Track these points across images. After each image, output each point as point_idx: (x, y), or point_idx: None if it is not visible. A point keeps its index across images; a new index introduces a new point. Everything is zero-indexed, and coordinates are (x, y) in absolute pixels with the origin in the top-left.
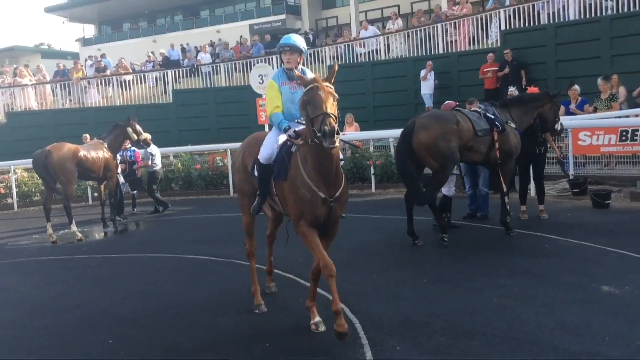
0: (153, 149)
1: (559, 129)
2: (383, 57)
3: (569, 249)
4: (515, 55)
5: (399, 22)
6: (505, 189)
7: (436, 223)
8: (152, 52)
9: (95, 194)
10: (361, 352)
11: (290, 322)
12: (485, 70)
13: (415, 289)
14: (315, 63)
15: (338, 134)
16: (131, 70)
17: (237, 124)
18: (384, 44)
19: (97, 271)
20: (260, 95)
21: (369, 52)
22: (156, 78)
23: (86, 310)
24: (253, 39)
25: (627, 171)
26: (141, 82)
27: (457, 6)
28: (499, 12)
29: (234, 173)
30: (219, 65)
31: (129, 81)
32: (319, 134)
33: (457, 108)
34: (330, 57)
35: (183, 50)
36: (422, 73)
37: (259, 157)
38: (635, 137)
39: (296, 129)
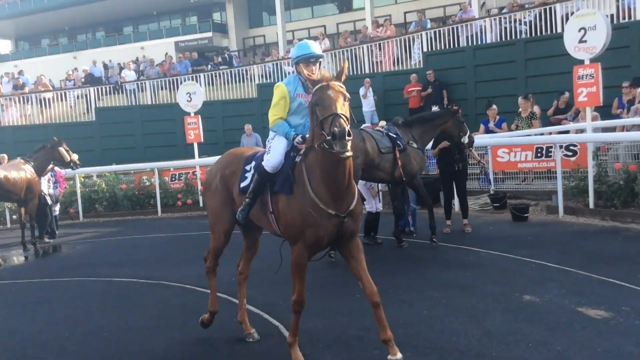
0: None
1: (466, 142)
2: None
3: (491, 260)
4: (437, 75)
5: (326, 42)
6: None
7: (366, 241)
8: (76, 69)
9: (14, 217)
10: None
11: (223, 342)
12: (409, 90)
13: (349, 304)
14: (242, 82)
15: (350, 136)
16: (51, 88)
17: (164, 142)
18: None
19: (19, 297)
20: (188, 113)
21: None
22: (78, 96)
23: (7, 339)
24: (179, 56)
25: (543, 186)
26: (62, 100)
27: (381, 28)
28: (421, 34)
29: (207, 195)
30: (145, 83)
31: (49, 99)
32: (328, 137)
33: (361, 128)
34: (258, 75)
35: (105, 67)
36: (362, 91)
37: (265, 164)
38: (549, 154)
39: (305, 135)
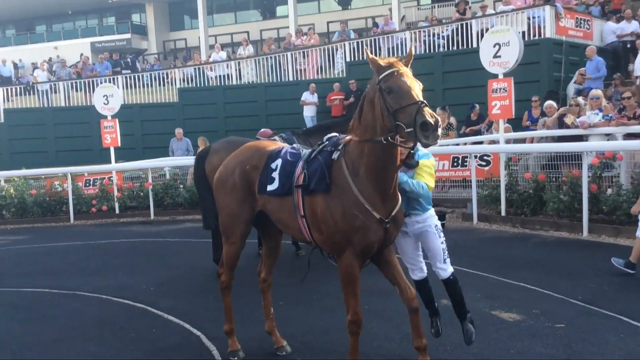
0: None
1: None
2: (234, 82)
3: None
4: (359, 85)
5: (250, 49)
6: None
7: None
8: None
9: None
10: None
11: (142, 353)
12: (332, 98)
13: (304, 309)
14: (163, 85)
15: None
16: None
17: (79, 146)
18: (236, 69)
19: None
20: (105, 117)
21: (220, 76)
22: None
23: None
24: (100, 57)
25: (458, 194)
26: None
27: (305, 36)
28: (344, 44)
29: (220, 193)
30: (58, 84)
31: None
32: (410, 129)
33: (257, 136)
34: (179, 79)
35: (15, 66)
36: (304, 97)
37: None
38: (465, 163)
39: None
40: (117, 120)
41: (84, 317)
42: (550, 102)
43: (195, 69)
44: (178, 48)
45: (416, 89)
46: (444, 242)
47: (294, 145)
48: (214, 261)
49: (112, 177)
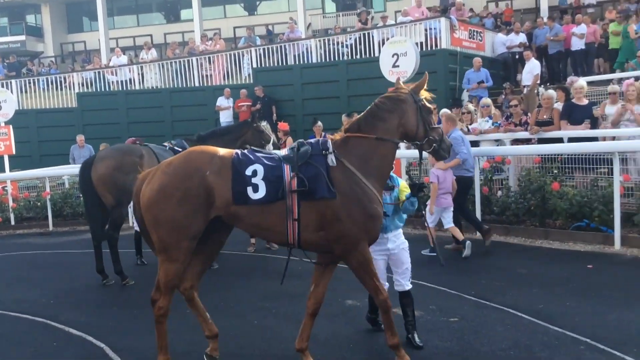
0: None
1: (271, 149)
2: (137, 87)
3: None
4: (266, 92)
5: (153, 52)
6: None
7: (139, 262)
8: None
9: None
10: None
11: None
12: (239, 104)
13: (178, 320)
14: (60, 90)
15: None
16: None
17: None
18: (138, 74)
19: None
20: None
21: (122, 81)
22: None
23: None
24: None
25: None
26: None
27: (211, 42)
28: (250, 50)
29: (164, 206)
30: None
31: None
32: (435, 145)
33: (145, 143)
34: (78, 83)
35: None
36: (219, 102)
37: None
38: None
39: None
40: (11, 126)
41: None
42: (445, 111)
43: (95, 72)
44: (77, 51)
45: None
46: None
47: (180, 148)
48: (98, 272)
49: (6, 186)
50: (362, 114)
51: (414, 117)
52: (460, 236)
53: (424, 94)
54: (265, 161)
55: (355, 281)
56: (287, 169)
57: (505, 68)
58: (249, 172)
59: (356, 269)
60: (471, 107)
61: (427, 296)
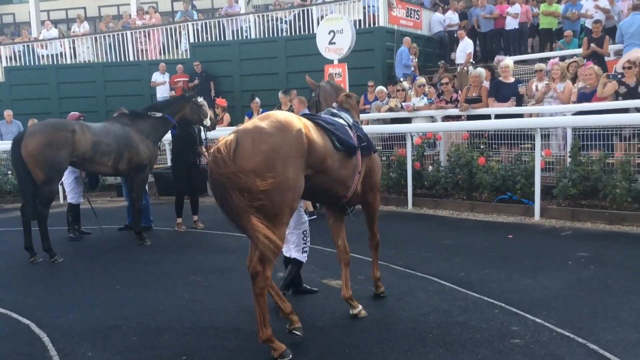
0: None
1: (208, 124)
2: (69, 61)
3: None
4: (204, 67)
5: (86, 26)
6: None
7: (72, 235)
8: None
9: None
10: None
11: None
12: (175, 80)
13: (107, 296)
14: None
15: None
16: None
17: None
18: (70, 47)
19: None
20: None
21: (52, 55)
22: None
23: None
24: None
25: None
26: None
27: (147, 15)
28: (188, 25)
29: (281, 166)
30: None
31: None
32: None
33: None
34: (6, 57)
35: None
36: (154, 77)
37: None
38: None
39: None
40: None
41: None
42: (380, 87)
43: (24, 46)
44: (5, 23)
45: None
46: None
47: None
48: (26, 249)
49: None
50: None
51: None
52: (310, 208)
53: None
54: (335, 120)
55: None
56: (349, 129)
57: (441, 46)
58: (332, 127)
59: (374, 212)
60: (405, 84)
61: (356, 267)
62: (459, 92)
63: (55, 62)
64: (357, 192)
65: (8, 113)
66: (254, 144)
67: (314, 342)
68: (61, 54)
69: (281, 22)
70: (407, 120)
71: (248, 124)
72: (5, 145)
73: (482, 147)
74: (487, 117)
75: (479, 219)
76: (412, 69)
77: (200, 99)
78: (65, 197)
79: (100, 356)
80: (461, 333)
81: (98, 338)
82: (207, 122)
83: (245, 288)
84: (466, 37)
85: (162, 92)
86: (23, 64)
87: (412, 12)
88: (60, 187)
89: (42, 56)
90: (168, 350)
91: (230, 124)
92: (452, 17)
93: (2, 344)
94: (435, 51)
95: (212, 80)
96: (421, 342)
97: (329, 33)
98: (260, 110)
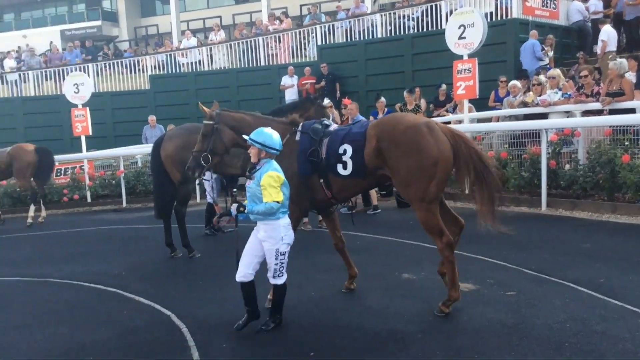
0: None
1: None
2: (206, 68)
3: (375, 244)
4: (331, 69)
5: (222, 34)
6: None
7: (208, 232)
8: None
9: None
10: (188, 354)
11: (115, 334)
12: (303, 82)
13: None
14: (134, 72)
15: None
16: None
17: (49, 135)
18: (207, 55)
19: None
20: (75, 105)
21: (191, 63)
22: None
23: None
24: (69, 45)
25: None
26: None
27: (278, 21)
28: (316, 28)
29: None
30: (27, 73)
31: None
32: None
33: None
34: (151, 66)
35: None
36: (284, 81)
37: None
38: None
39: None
40: (87, 108)
41: (56, 303)
42: (514, 82)
43: (166, 55)
44: (149, 34)
45: None
46: (283, 261)
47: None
48: (167, 245)
49: (83, 166)
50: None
51: None
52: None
53: None
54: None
55: (412, 256)
56: None
57: (580, 37)
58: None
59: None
60: (542, 78)
61: (484, 270)
62: (601, 84)
63: (194, 70)
64: None
65: (152, 118)
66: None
67: (440, 347)
68: (200, 61)
69: (408, 20)
70: (541, 116)
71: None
72: (148, 148)
73: (626, 143)
74: (631, 111)
75: (621, 222)
76: (547, 61)
77: (326, 101)
78: (202, 197)
79: (235, 348)
80: (600, 343)
81: (232, 332)
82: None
83: (368, 288)
84: (608, 26)
85: (291, 95)
86: (166, 72)
87: (549, 1)
88: (197, 187)
89: (183, 64)
90: (296, 346)
91: None
92: (596, 3)
93: (147, 332)
94: (573, 42)
95: (338, 81)
96: (557, 351)
97: (459, 27)
98: (386, 109)
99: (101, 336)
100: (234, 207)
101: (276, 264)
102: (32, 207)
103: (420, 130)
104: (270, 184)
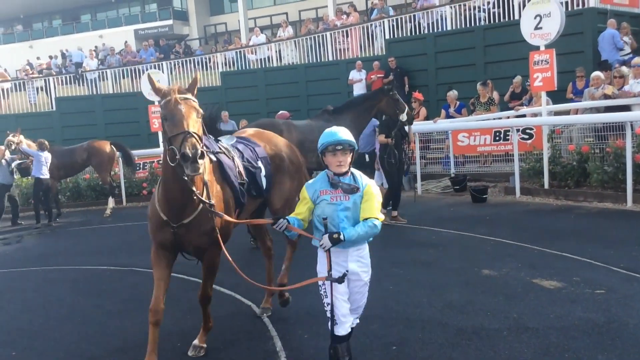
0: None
1: (404, 119)
2: (275, 64)
3: (452, 239)
4: (399, 62)
5: (289, 30)
6: None
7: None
8: (55, 56)
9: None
10: (271, 344)
11: (198, 324)
12: (371, 76)
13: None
14: (205, 70)
15: (202, 158)
16: (8, 77)
17: (127, 132)
18: (276, 51)
19: None
20: (152, 102)
21: (260, 59)
22: (37, 87)
23: None
24: (144, 44)
25: (500, 168)
26: (19, 90)
27: (345, 15)
28: (383, 21)
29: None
30: (106, 72)
31: (7, 89)
32: (178, 157)
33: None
34: (221, 63)
35: (64, 56)
36: (352, 75)
37: None
38: (507, 137)
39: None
40: None
41: (142, 291)
42: (597, 73)
43: (236, 52)
44: (219, 32)
45: (191, 118)
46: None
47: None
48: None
49: (160, 160)
50: None
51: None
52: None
53: None
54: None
55: (492, 252)
56: None
57: None
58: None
59: None
60: (624, 69)
61: (571, 268)
62: None
63: (263, 66)
64: None
65: (224, 114)
66: None
67: (528, 345)
68: (268, 57)
69: (479, 11)
70: (624, 108)
71: None
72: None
73: None
74: None
75: None
76: (628, 51)
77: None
78: None
79: (314, 339)
80: None
81: (312, 322)
82: (404, 116)
83: (448, 283)
84: None
85: (359, 90)
86: (236, 69)
87: None
88: None
89: (252, 61)
90: (378, 340)
91: (427, 118)
92: None
93: (230, 321)
94: None
95: (406, 75)
96: None
97: (535, 17)
98: (457, 103)
99: (186, 324)
100: (325, 240)
101: (364, 301)
102: (111, 199)
103: None
104: (376, 194)
